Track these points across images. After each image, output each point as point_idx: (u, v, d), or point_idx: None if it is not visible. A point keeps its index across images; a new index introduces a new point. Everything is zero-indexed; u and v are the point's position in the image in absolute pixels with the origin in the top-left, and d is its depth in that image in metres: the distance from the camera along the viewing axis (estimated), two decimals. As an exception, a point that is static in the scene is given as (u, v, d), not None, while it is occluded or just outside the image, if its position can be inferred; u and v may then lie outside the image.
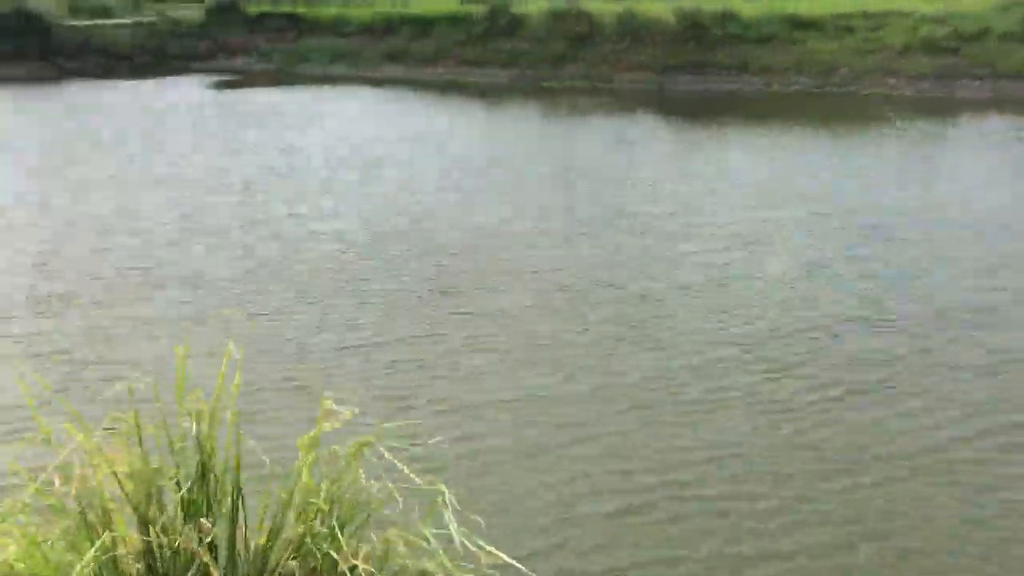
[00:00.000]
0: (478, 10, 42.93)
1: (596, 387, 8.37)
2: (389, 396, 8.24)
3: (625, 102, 31.93)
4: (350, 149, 20.90)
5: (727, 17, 38.81)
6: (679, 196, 16.14)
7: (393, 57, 42.96)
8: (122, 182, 17.40)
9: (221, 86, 37.82)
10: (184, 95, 33.95)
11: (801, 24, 38.55)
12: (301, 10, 49.55)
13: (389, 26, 44.29)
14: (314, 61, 44.55)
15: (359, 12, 47.57)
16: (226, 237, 13.39)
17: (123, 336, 9.61)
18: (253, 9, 50.33)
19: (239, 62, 46.38)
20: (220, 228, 13.90)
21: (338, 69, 43.64)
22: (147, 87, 37.15)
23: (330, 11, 48.88)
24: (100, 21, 46.78)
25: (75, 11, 47.21)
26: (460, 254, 12.61)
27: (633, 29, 39.13)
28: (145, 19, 49.08)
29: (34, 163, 19.78)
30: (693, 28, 38.37)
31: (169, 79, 40.31)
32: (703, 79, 36.92)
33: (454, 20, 42.92)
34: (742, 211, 14.96)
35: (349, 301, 10.67)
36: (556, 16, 40.35)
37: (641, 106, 30.83)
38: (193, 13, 50.52)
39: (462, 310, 10.47)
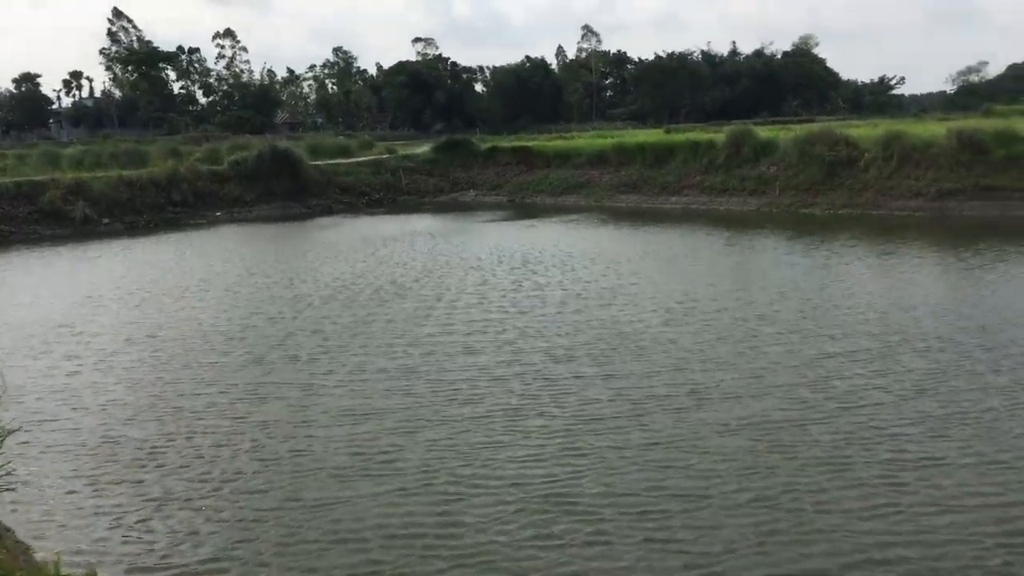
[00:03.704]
0: (718, 137, 41.09)
1: None
2: None
3: (903, 231, 28.13)
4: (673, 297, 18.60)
5: (1010, 136, 34.69)
6: None
7: (629, 187, 41.52)
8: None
9: (489, 220, 37.28)
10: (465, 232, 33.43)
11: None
12: (530, 143, 49.63)
13: (623, 156, 43.08)
14: (546, 192, 43.92)
15: (590, 143, 46.97)
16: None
17: None
18: (481, 144, 51.09)
19: (469, 196, 46.66)
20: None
21: (570, 200, 42.68)
22: (397, 223, 37.09)
23: (559, 143, 48.69)
24: (339, 160, 48.69)
25: (316, 152, 49.44)
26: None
27: (901, 152, 35.71)
28: (379, 157, 50.77)
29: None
30: (972, 149, 34.46)
31: (407, 215, 40.56)
32: (993, 204, 32.69)
33: (694, 148, 41.12)
34: None
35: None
36: (809, 140, 37.64)
37: (923, 236, 27.05)
38: (424, 150, 51.92)
39: None
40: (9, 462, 4.19)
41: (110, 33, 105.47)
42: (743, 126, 43.58)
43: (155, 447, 10.59)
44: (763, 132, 41.82)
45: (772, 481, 8.77)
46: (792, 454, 9.53)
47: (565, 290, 19.73)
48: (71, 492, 9.38)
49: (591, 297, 18.80)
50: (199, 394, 12.71)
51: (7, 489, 4.14)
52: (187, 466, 9.88)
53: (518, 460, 9.81)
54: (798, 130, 40.66)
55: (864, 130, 40.18)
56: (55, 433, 11.14)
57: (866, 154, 36.44)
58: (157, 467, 9.95)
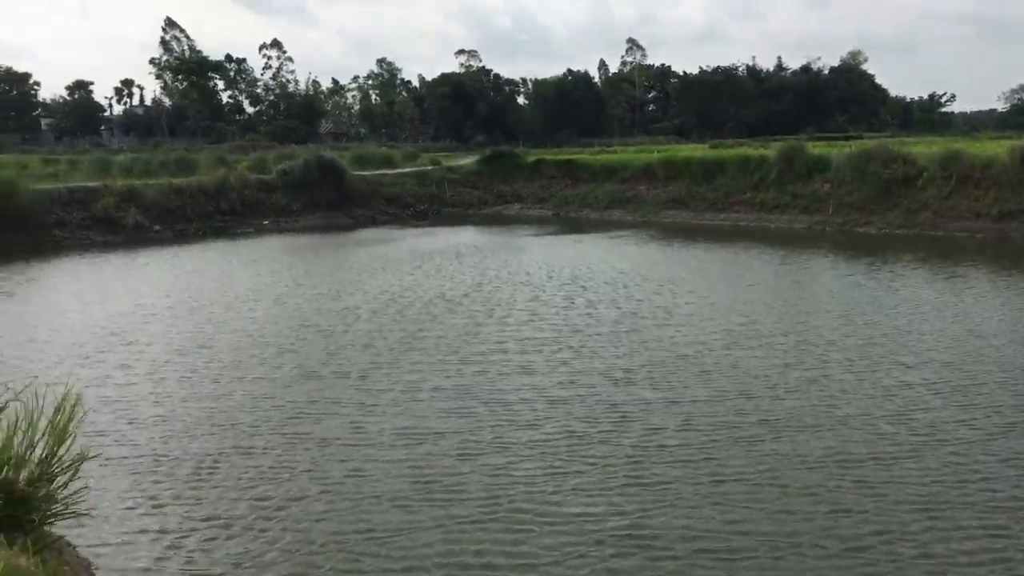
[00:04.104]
0: (768, 152, 40.36)
1: None
2: None
3: (967, 253, 27.12)
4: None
5: (1076, 155, 33.48)
6: None
7: (677, 202, 40.93)
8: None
9: (535, 234, 37.03)
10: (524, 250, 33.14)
11: None
12: (576, 156, 49.24)
13: (670, 170, 42.51)
14: (592, 206, 43.50)
15: (636, 157, 46.43)
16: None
17: None
18: (526, 156, 50.81)
19: (514, 209, 46.39)
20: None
21: (616, 214, 42.22)
22: (450, 235, 36.96)
23: (605, 156, 48.21)
24: (384, 171, 48.73)
25: (361, 162, 49.55)
26: None
27: (961, 171, 34.66)
28: (423, 168, 50.74)
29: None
30: (1036, 168, 33.30)
31: (452, 227, 40.42)
32: (1058, 226, 31.55)
33: (744, 163, 40.42)
34: None
35: None
36: (864, 158, 36.77)
37: (989, 258, 26.03)
38: (468, 161, 51.79)
39: None
40: (84, 486, 3.98)
41: (163, 42, 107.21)
42: (795, 142, 42.83)
43: (214, 463, 10.36)
44: (811, 148, 40.98)
45: (864, 527, 8.21)
46: (880, 493, 8.97)
47: (619, 308, 19.27)
48: (129, 508, 9.17)
49: (647, 316, 18.33)
50: (254, 409, 12.49)
51: (82, 514, 3.95)
52: (249, 487, 9.61)
53: (585, 491, 9.38)
54: (851, 146, 39.77)
55: (920, 148, 39.13)
56: (111, 447, 10.96)
57: (924, 172, 35.45)
58: (215, 487, 9.70)
